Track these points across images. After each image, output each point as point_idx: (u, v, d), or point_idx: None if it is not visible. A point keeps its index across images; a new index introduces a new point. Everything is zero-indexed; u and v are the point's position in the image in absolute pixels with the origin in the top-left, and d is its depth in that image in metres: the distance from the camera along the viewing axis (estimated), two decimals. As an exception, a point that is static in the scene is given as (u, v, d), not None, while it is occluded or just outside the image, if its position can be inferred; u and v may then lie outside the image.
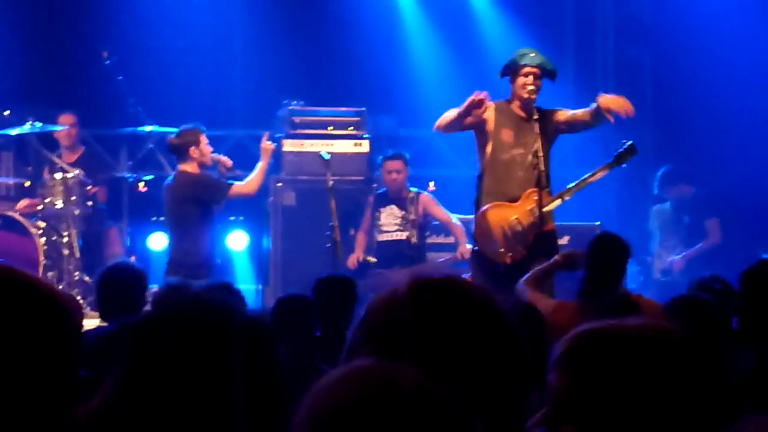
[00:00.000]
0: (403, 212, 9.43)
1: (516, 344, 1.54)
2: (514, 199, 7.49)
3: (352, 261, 9.51)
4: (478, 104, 7.38)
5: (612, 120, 7.70)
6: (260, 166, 8.56)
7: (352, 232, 9.56)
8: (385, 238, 9.48)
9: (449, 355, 1.50)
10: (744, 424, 1.60)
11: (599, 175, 7.61)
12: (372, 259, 9.43)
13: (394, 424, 1.18)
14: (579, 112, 7.74)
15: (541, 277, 6.57)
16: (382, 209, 9.50)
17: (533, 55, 7.57)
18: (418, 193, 9.59)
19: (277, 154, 9.47)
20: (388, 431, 1.18)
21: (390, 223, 9.56)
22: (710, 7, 11.08)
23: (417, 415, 1.20)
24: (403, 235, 9.40)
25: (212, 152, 8.66)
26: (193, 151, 8.29)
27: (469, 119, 7.51)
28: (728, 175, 10.87)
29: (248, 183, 8.50)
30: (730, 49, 10.88)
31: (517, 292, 6.65)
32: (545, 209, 7.40)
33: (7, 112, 9.85)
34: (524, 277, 6.71)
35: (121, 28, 11.09)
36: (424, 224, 9.63)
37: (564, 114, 7.68)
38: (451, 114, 7.62)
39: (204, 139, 8.39)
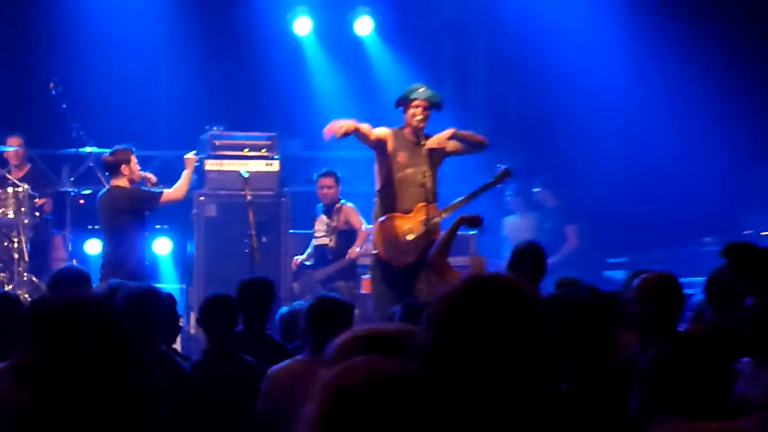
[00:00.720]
0: (328, 220, 10.26)
1: (551, 336, 1.60)
2: (407, 212, 8.15)
3: (294, 262, 10.47)
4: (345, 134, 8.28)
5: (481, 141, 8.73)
6: (185, 174, 9.33)
7: (263, 239, 10.04)
8: (316, 243, 10.37)
9: (495, 346, 1.57)
10: (655, 423, 1.96)
11: (479, 193, 8.39)
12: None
13: (393, 405, 1.36)
14: (464, 133, 8.73)
15: (445, 242, 7.42)
16: (317, 218, 10.40)
17: (422, 90, 8.27)
18: (342, 204, 10.39)
19: (200, 172, 10.13)
20: (393, 409, 1.36)
21: (320, 229, 10.44)
22: (565, 50, 12.12)
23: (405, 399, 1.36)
24: (327, 240, 10.25)
25: (140, 170, 9.41)
26: (124, 168, 8.91)
27: (370, 142, 8.40)
28: (581, 189, 11.88)
29: (176, 189, 9.18)
30: (583, 85, 12.01)
31: (430, 269, 7.89)
32: (432, 221, 8.07)
33: None
34: (433, 250, 7.69)
35: (64, 61, 11.75)
36: (348, 231, 10.42)
37: (447, 137, 8.51)
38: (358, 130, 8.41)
39: (134, 159, 9.13)
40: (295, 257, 10.49)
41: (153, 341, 4.95)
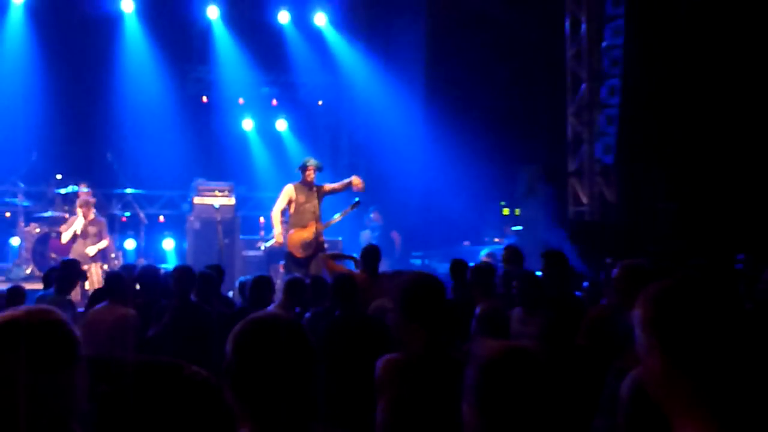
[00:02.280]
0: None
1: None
2: (304, 227, 9.40)
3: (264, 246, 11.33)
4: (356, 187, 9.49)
5: (358, 187, 9.64)
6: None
7: (225, 241, 11.43)
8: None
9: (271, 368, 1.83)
10: (476, 344, 2.03)
11: (343, 215, 9.73)
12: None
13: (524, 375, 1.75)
14: (336, 185, 9.87)
15: (330, 255, 8.66)
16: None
17: (312, 160, 9.58)
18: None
19: (191, 204, 12.30)
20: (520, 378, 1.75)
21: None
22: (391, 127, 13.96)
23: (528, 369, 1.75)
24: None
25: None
26: None
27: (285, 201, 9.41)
28: (395, 212, 13.41)
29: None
30: (396, 145, 13.67)
31: (318, 260, 8.99)
32: (318, 231, 9.43)
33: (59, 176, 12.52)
34: (324, 254, 8.81)
35: (113, 128, 13.57)
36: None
37: (328, 186, 9.74)
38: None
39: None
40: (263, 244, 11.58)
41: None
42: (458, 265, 6.70)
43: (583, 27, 12.08)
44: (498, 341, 1.84)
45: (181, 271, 6.31)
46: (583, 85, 12.09)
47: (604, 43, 11.59)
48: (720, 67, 10.21)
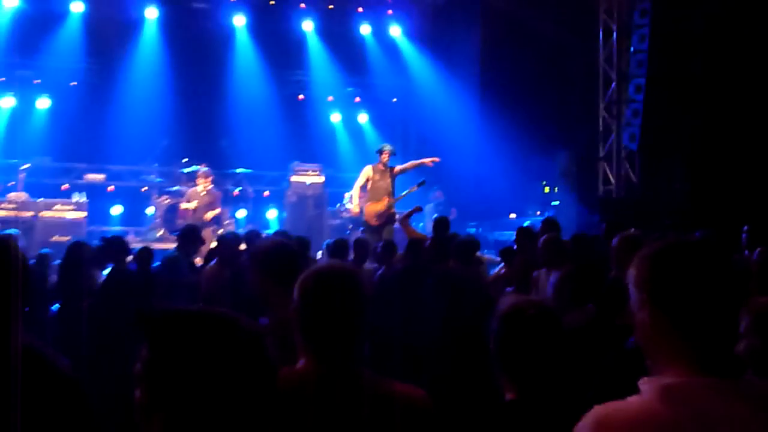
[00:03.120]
0: None
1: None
2: (379, 201, 9.61)
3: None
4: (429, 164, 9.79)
5: (431, 164, 10.01)
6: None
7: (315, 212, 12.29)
8: None
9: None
10: (503, 298, 2.10)
11: (410, 192, 9.84)
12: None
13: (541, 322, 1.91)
14: (406, 165, 10.01)
15: (408, 214, 8.28)
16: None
17: (387, 146, 9.86)
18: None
19: (287, 183, 12.96)
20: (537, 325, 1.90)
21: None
22: (451, 122, 14.13)
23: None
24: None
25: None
26: None
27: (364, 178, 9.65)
28: (454, 190, 13.78)
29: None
30: (456, 138, 13.69)
31: (389, 228, 9.22)
32: (391, 203, 9.66)
33: (185, 160, 13.34)
34: (400, 217, 8.63)
35: (228, 120, 14.36)
36: None
37: (399, 168, 9.90)
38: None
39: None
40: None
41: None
42: (526, 232, 6.74)
43: (614, 35, 12.15)
44: (519, 296, 2.07)
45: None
46: (613, 84, 12.18)
47: (631, 49, 11.48)
48: (728, 69, 10.26)
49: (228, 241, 6.42)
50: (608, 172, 12.37)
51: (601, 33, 12.34)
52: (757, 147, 9.95)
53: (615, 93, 12.20)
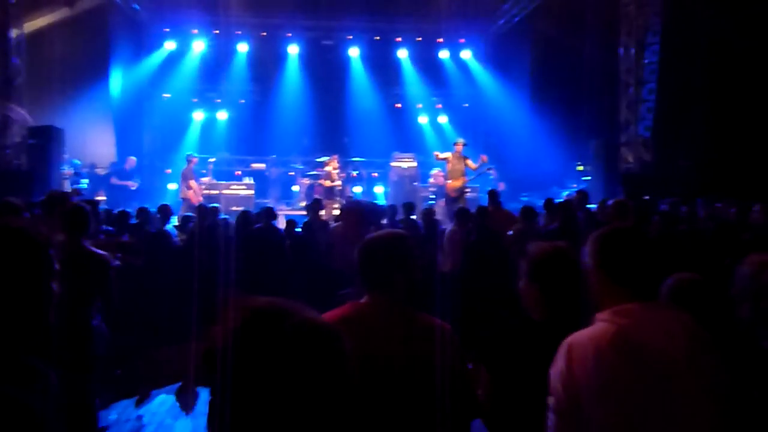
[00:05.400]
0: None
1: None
2: (457, 179, 9.89)
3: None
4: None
5: (485, 160, 10.01)
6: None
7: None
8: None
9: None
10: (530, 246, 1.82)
11: (478, 174, 10.07)
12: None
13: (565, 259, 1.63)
14: (473, 165, 10.00)
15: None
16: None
17: (461, 140, 10.15)
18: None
19: (391, 167, 12.47)
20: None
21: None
22: (507, 116, 14.20)
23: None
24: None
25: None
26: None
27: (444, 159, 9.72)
28: (508, 167, 13.59)
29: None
30: (513, 128, 13.89)
31: (463, 198, 9.23)
32: (465, 182, 9.92)
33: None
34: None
35: (350, 119, 14.65)
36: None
37: (470, 161, 10.00)
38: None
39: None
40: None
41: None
42: (584, 195, 6.64)
43: (632, 51, 11.83)
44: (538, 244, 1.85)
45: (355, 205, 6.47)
46: (631, 89, 11.76)
47: (645, 61, 11.26)
48: (722, 78, 10.20)
49: (348, 210, 6.39)
50: (627, 155, 11.96)
51: (622, 49, 12.18)
52: (743, 134, 9.91)
53: (633, 95, 11.99)
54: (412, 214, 7.29)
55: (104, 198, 10.58)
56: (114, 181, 11.08)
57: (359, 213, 5.05)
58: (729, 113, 10.24)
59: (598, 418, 1.41)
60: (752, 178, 8.99)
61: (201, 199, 10.55)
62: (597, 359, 1.44)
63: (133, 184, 11.32)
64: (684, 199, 7.78)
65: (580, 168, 13.18)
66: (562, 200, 6.98)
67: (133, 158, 11.43)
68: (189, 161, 11.00)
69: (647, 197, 8.49)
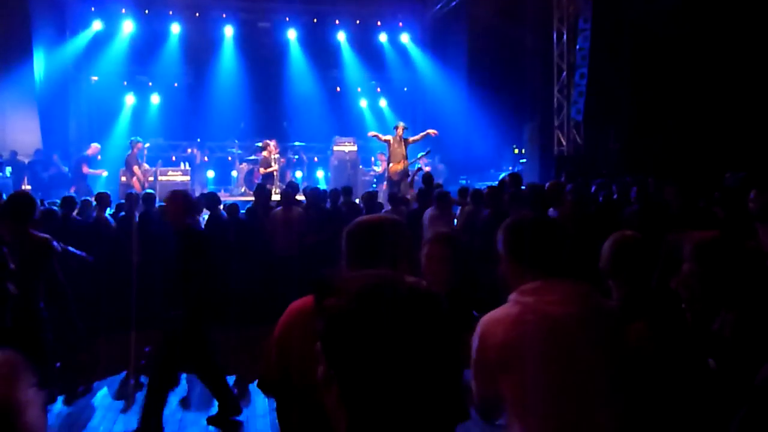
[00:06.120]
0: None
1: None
2: (398, 162, 9.90)
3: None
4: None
5: (434, 134, 10.08)
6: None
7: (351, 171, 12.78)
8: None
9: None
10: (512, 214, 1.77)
11: (419, 157, 10.44)
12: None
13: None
14: (416, 137, 10.18)
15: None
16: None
17: (401, 123, 10.19)
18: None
19: (332, 151, 12.67)
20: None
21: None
22: (443, 100, 14.03)
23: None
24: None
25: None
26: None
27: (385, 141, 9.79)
28: (448, 152, 13.69)
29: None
30: (447, 110, 13.68)
31: (405, 182, 9.30)
32: (406, 165, 9.93)
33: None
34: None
35: (290, 107, 14.40)
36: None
37: (411, 139, 10.11)
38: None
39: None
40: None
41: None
42: (517, 178, 6.67)
43: (564, 36, 11.95)
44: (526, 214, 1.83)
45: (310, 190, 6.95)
46: (564, 73, 12.02)
47: (577, 46, 11.43)
48: (646, 62, 10.37)
49: (288, 193, 6.75)
50: (561, 137, 12.29)
51: (555, 35, 12.25)
52: (669, 118, 10.18)
53: (565, 79, 12.15)
54: (353, 198, 7.31)
55: (29, 187, 10.14)
56: (87, 170, 10.57)
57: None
58: (653, 98, 10.56)
59: (513, 383, 1.58)
60: (673, 158, 9.31)
61: (147, 185, 10.32)
62: (504, 334, 1.61)
63: (103, 172, 10.95)
64: (612, 179, 7.90)
65: (517, 151, 13.50)
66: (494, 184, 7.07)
67: (97, 144, 10.91)
68: (133, 146, 10.55)
69: (580, 179, 8.61)
